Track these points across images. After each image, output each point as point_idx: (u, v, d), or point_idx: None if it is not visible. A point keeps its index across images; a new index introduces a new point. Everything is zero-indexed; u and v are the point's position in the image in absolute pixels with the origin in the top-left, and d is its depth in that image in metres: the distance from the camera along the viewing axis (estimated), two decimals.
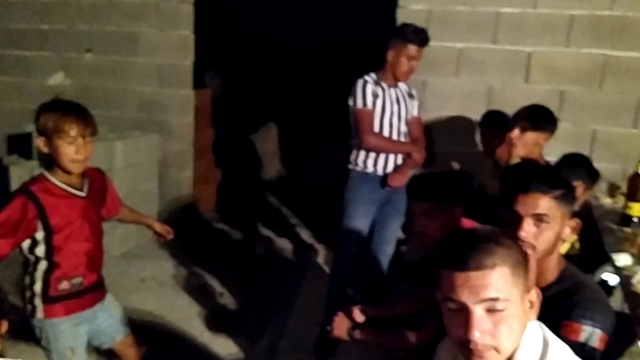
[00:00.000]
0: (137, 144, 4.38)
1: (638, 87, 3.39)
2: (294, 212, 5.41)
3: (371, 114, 3.04)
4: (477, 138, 3.61)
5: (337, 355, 3.05)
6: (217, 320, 3.37)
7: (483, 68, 3.64)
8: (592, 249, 2.65)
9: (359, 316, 2.11)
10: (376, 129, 3.08)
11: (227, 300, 3.67)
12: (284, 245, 4.63)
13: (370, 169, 3.12)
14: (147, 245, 4.36)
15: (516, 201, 1.54)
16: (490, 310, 1.06)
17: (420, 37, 2.99)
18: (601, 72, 3.44)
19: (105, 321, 2.22)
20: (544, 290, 1.53)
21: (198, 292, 3.73)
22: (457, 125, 3.74)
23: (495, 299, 1.06)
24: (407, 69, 3.02)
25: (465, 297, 1.07)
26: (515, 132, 2.74)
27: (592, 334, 1.44)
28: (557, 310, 1.48)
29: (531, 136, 2.75)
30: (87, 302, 2.12)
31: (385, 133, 3.10)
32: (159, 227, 2.49)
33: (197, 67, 4.71)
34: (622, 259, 2.20)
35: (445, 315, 1.13)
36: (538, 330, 1.14)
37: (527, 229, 1.51)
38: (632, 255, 2.25)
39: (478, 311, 1.06)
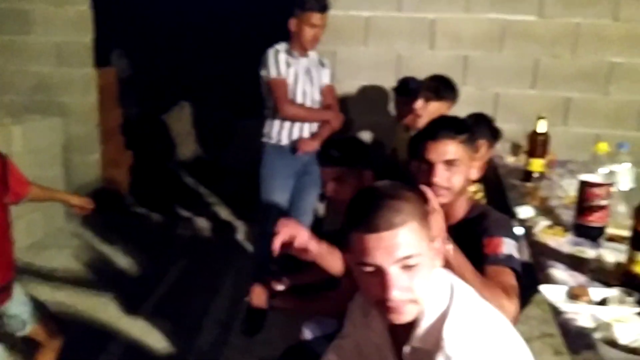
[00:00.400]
0: (37, 128, 4.12)
1: (534, 50, 3.55)
2: (212, 191, 5.31)
3: (286, 82, 3.01)
4: (390, 105, 3.69)
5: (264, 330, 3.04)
6: (134, 304, 3.27)
7: (390, 36, 3.69)
8: (497, 205, 2.78)
9: (276, 284, 2.11)
10: (289, 98, 3.07)
11: (145, 283, 3.56)
12: (203, 225, 4.55)
13: (284, 141, 3.11)
14: (56, 234, 4.15)
15: (426, 149, 1.61)
16: (405, 267, 1.08)
17: (320, 3, 2.97)
18: (500, 37, 3.58)
19: (17, 308, 2.12)
20: (456, 225, 1.63)
21: (113, 278, 3.60)
22: (368, 93, 3.78)
23: (408, 257, 1.07)
24: (310, 37, 3.00)
25: (379, 259, 1.07)
26: (419, 103, 2.80)
27: (511, 245, 1.54)
28: (474, 234, 1.57)
29: (435, 106, 2.81)
30: None
31: (298, 101, 3.08)
32: (76, 200, 2.38)
33: (100, 45, 4.47)
34: (525, 212, 2.32)
35: (359, 278, 1.13)
36: (444, 276, 1.18)
37: (440, 175, 1.58)
38: (534, 207, 2.37)
39: (394, 270, 1.07)
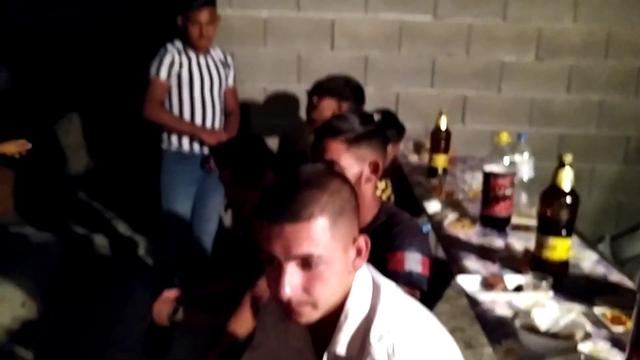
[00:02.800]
0: None
1: (431, 49, 3.63)
2: (108, 205, 4.98)
3: (163, 85, 2.88)
4: (296, 107, 3.62)
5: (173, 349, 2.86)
6: (21, 332, 2.95)
7: (290, 37, 3.62)
8: (405, 202, 2.78)
9: (174, 294, 1.97)
10: (185, 99, 2.93)
11: (33, 309, 3.22)
12: (100, 242, 4.24)
13: (186, 147, 2.96)
14: None
15: (314, 151, 1.56)
16: (305, 266, 0.96)
17: (199, 0, 2.85)
18: (398, 37, 3.62)
19: None
20: (365, 229, 1.55)
21: None
22: (270, 95, 3.69)
23: (309, 256, 0.95)
24: (197, 34, 2.88)
25: (277, 251, 0.96)
26: (315, 99, 2.77)
27: (414, 260, 1.48)
28: (379, 245, 1.48)
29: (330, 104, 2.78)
30: None
31: (197, 104, 2.95)
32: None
33: None
34: (433, 206, 2.33)
35: (265, 270, 1.03)
36: (367, 276, 1.08)
37: None
38: (441, 201, 2.39)
39: (290, 267, 0.96)
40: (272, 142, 3.46)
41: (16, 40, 6.28)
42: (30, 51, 6.37)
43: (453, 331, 3.06)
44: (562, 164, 1.57)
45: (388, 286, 1.08)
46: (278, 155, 3.37)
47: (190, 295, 2.03)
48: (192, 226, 3.00)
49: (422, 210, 2.52)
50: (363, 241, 1.04)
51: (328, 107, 2.74)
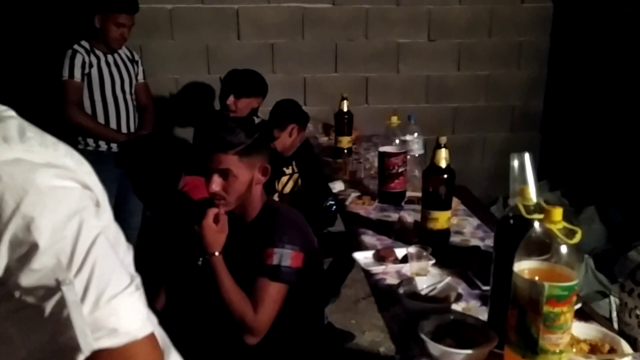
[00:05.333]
0: None
1: (333, 34, 3.83)
2: None
3: (79, 86, 2.92)
4: (205, 96, 3.74)
5: None
6: None
7: (196, 27, 3.71)
8: (315, 183, 3.01)
9: None
10: (97, 99, 2.98)
11: None
12: None
13: (103, 146, 3.02)
14: None
15: (207, 159, 1.72)
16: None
17: (130, 4, 2.92)
18: (301, 24, 3.79)
19: None
20: (249, 224, 1.78)
21: None
22: (182, 87, 3.78)
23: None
24: (117, 36, 2.94)
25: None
26: (230, 99, 2.92)
27: (282, 255, 1.67)
28: (259, 240, 1.71)
29: (245, 101, 2.95)
30: None
31: (110, 102, 3.01)
32: None
33: None
34: (337, 186, 2.56)
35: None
36: None
37: (216, 182, 1.71)
38: (344, 181, 2.63)
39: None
40: (187, 133, 3.56)
41: None
42: None
43: (367, 297, 3.36)
44: (439, 145, 1.83)
45: None
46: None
47: None
48: (117, 222, 3.06)
49: (329, 190, 2.77)
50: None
51: (247, 105, 2.95)
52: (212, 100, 3.71)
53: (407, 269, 1.67)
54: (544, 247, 1.06)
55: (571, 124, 3.97)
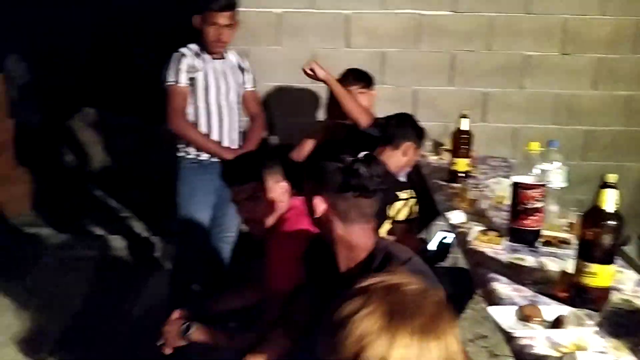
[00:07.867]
0: None
1: (451, 45, 3.50)
2: (124, 204, 4.93)
3: (184, 92, 2.77)
4: (309, 105, 3.53)
5: None
6: (37, 344, 2.91)
7: (305, 33, 3.52)
8: (427, 209, 2.69)
9: (181, 314, 1.92)
10: (201, 108, 2.83)
11: (49, 318, 3.18)
12: (117, 243, 4.19)
13: (204, 156, 2.86)
14: None
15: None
16: None
17: (220, 2, 2.73)
18: (416, 33, 3.50)
19: None
20: (355, 270, 1.41)
21: (8, 313, 3.19)
22: (287, 94, 3.59)
23: None
24: (215, 37, 2.76)
25: None
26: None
27: None
28: None
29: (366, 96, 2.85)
30: None
31: (213, 112, 2.85)
32: None
33: None
34: (456, 217, 2.23)
35: None
36: None
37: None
38: (464, 211, 2.29)
39: None
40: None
41: (34, 35, 6.23)
42: (47, 46, 6.31)
43: (476, 339, 3.01)
44: (605, 184, 1.46)
45: None
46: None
47: (202, 311, 1.98)
48: (211, 235, 2.92)
49: (441, 214, 2.44)
50: None
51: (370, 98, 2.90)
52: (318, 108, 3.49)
53: (562, 336, 1.31)
54: None
55: None
